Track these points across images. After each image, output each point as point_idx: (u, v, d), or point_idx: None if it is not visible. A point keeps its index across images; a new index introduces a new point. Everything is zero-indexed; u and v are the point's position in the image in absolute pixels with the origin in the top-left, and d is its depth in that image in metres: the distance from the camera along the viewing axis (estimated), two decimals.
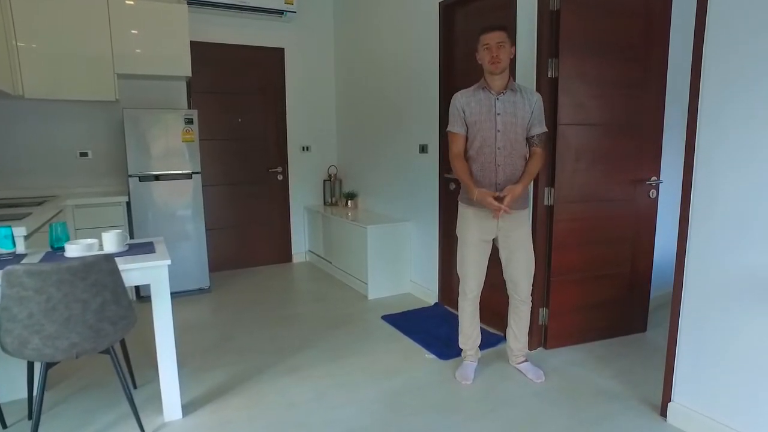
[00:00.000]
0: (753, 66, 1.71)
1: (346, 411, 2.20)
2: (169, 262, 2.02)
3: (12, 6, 3.27)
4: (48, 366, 1.82)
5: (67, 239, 2.12)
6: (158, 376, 2.10)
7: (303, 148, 4.89)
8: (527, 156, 2.35)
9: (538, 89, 2.57)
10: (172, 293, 2.10)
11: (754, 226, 1.75)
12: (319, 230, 4.68)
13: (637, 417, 2.13)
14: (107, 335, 1.85)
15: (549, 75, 2.56)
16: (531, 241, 2.42)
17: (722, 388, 1.89)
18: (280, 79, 4.70)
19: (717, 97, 1.83)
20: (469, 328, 2.51)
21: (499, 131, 2.28)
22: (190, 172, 3.85)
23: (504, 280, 2.48)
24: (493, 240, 2.43)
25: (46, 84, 3.44)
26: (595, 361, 2.64)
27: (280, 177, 4.84)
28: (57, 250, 2.09)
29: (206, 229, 3.97)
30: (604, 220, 2.78)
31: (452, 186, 3.36)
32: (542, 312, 2.76)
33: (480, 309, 2.53)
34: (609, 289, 2.86)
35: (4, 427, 2.08)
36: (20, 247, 2.14)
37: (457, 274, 2.53)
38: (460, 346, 2.56)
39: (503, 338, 2.71)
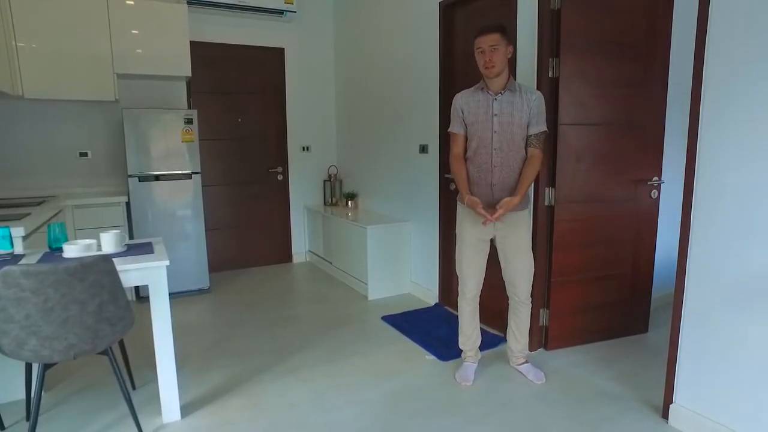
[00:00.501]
0: (755, 66, 1.70)
1: (346, 412, 2.19)
2: (167, 262, 2.01)
3: (11, 6, 3.26)
4: (46, 367, 1.81)
5: (66, 240, 2.12)
6: (157, 377, 2.09)
7: (303, 148, 4.88)
8: (525, 157, 2.33)
9: (538, 89, 2.55)
10: (171, 294, 2.09)
11: (756, 227, 1.73)
12: (319, 230, 4.67)
13: (638, 419, 2.11)
14: (105, 336, 1.84)
15: (550, 75, 2.55)
16: (530, 242, 2.41)
17: (724, 389, 1.88)
18: (280, 78, 4.69)
19: (719, 97, 1.82)
20: (469, 329, 2.50)
21: (495, 132, 2.27)
22: (189, 172, 3.84)
23: (502, 281, 2.47)
24: (492, 240, 2.42)
25: (46, 84, 3.43)
26: (596, 363, 2.63)
27: (280, 177, 4.83)
28: (55, 251, 2.09)
29: (206, 230, 3.96)
30: (605, 220, 2.76)
31: (452, 186, 3.35)
32: (543, 313, 2.75)
33: (480, 310, 2.53)
34: (610, 290, 2.84)
35: (3, 428, 2.07)
36: (18, 248, 2.14)
37: (457, 274, 2.52)
38: (460, 346, 2.55)
39: (503, 339, 2.70)
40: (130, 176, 3.67)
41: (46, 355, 1.72)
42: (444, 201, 3.44)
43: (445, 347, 2.79)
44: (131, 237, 3.69)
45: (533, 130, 2.29)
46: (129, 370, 2.41)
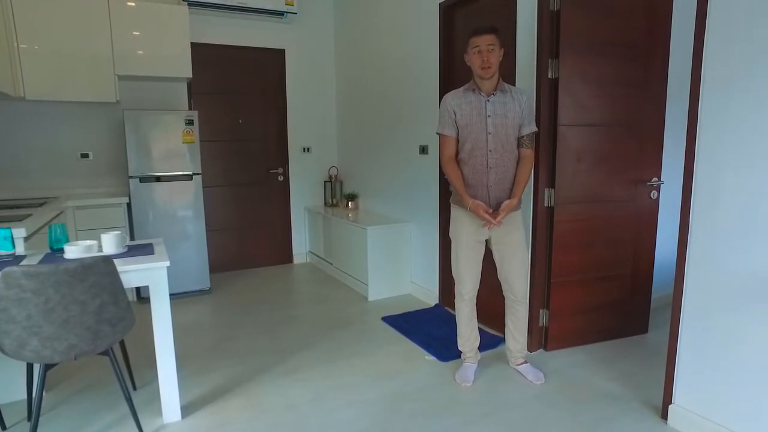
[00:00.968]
0: (753, 65, 1.70)
1: (346, 413, 2.20)
2: (167, 263, 2.02)
3: (13, 7, 3.28)
4: (47, 367, 1.82)
5: (67, 241, 2.13)
6: (157, 377, 2.10)
7: (303, 149, 4.89)
8: (518, 157, 2.34)
9: (538, 90, 2.57)
10: (172, 294, 2.10)
11: (755, 227, 1.74)
12: (320, 231, 4.67)
13: (637, 419, 2.12)
14: (106, 336, 1.85)
15: (549, 75, 2.55)
16: (524, 242, 2.42)
17: (723, 390, 1.88)
18: (280, 80, 4.70)
19: (717, 97, 1.82)
20: (467, 330, 2.50)
21: (490, 133, 2.27)
22: (190, 173, 3.85)
23: (500, 281, 2.47)
24: (486, 241, 2.43)
25: (47, 85, 3.45)
26: (595, 363, 2.63)
27: (280, 178, 4.84)
28: (56, 252, 2.09)
29: (207, 230, 3.97)
30: (604, 221, 2.77)
31: (452, 187, 3.35)
32: (543, 313, 2.75)
33: (479, 310, 2.53)
34: (610, 291, 2.85)
35: (4, 428, 2.08)
36: (20, 249, 2.15)
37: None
38: (459, 348, 2.55)
39: (503, 340, 2.70)
40: (131, 177, 3.68)
41: (47, 356, 1.73)
42: (444, 202, 3.44)
43: (445, 348, 2.80)
44: (132, 238, 3.70)
45: (525, 131, 2.31)
46: (130, 370, 2.41)
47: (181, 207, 3.86)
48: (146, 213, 3.74)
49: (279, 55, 4.65)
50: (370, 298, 3.77)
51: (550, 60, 2.54)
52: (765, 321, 1.73)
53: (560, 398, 2.29)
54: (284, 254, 4.94)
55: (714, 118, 1.84)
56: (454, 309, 2.57)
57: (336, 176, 4.95)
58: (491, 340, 2.86)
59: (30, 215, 2.59)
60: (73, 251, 1.98)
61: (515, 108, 2.28)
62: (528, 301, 2.48)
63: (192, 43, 3.87)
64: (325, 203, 4.94)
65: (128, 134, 3.63)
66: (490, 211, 2.26)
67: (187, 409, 2.22)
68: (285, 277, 4.51)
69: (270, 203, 4.83)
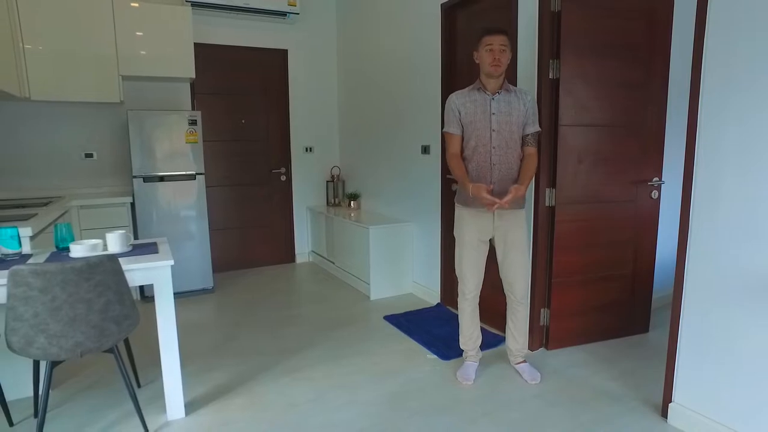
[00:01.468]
0: (753, 66, 1.71)
1: (347, 411, 2.22)
2: (172, 262, 2.04)
3: (19, 8, 3.30)
4: (53, 365, 1.85)
5: (72, 240, 2.15)
6: (161, 375, 2.12)
7: (306, 149, 4.91)
8: (521, 155, 2.36)
9: (539, 90, 2.58)
10: (175, 293, 2.12)
11: (754, 227, 1.75)
12: (322, 231, 4.69)
13: (638, 418, 2.13)
14: (111, 334, 1.87)
15: (550, 76, 2.57)
16: (526, 242, 2.43)
17: (723, 388, 1.89)
18: (283, 80, 4.72)
19: (717, 98, 1.84)
20: (470, 329, 2.52)
21: (494, 131, 2.30)
22: (194, 173, 3.87)
23: (501, 280, 2.49)
24: (491, 240, 2.44)
25: (52, 86, 3.48)
26: (596, 363, 2.64)
27: (283, 178, 4.86)
28: (62, 251, 2.12)
29: (210, 230, 3.99)
30: (605, 221, 2.78)
31: (454, 187, 3.36)
32: (544, 313, 2.77)
33: (481, 309, 2.54)
34: (611, 291, 2.86)
35: (11, 424, 2.11)
36: (26, 248, 2.17)
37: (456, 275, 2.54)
38: (461, 346, 2.57)
39: (503, 339, 2.71)
40: (134, 177, 3.70)
41: (54, 353, 1.76)
42: (446, 202, 3.46)
43: (447, 347, 2.81)
44: (136, 237, 3.73)
45: (530, 130, 2.34)
46: (134, 368, 2.44)
47: (185, 207, 3.88)
48: (150, 212, 3.77)
49: (281, 55, 4.67)
50: (372, 298, 3.79)
51: (551, 61, 2.55)
52: (764, 320, 1.74)
53: (561, 397, 2.31)
54: (287, 254, 4.96)
55: (714, 119, 1.85)
56: (455, 308, 2.58)
57: (338, 176, 4.97)
58: (493, 339, 2.88)
59: (35, 214, 2.62)
60: (78, 250, 2.01)
61: (519, 107, 2.31)
62: (528, 301, 2.49)
63: (195, 44, 3.89)
64: (328, 203, 4.97)
65: (132, 134, 3.66)
66: (489, 188, 2.23)
67: (190, 407, 2.25)
68: (287, 277, 4.53)
69: (272, 203, 4.85)
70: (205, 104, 4.35)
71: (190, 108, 4.29)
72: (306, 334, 3.11)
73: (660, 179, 2.86)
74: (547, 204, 2.67)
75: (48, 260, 1.95)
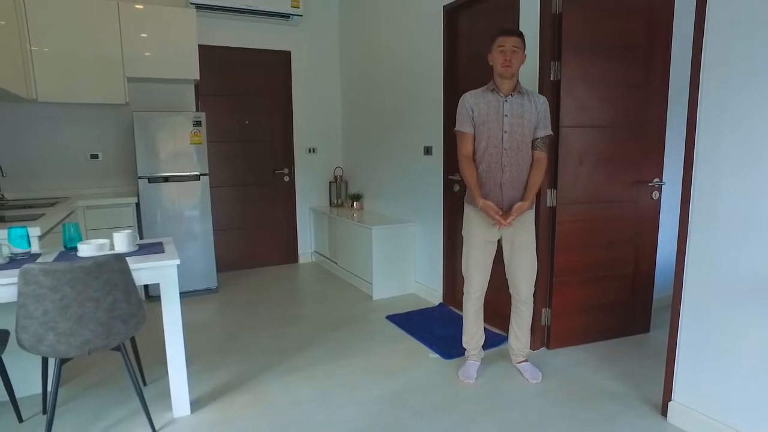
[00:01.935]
0: (752, 66, 1.73)
1: (350, 410, 2.24)
2: (178, 261, 2.07)
3: (26, 11, 3.35)
4: (62, 362, 1.88)
5: (80, 239, 2.19)
6: (167, 373, 2.16)
7: (309, 149, 4.95)
8: (531, 158, 2.38)
9: (540, 92, 2.60)
10: (180, 293, 2.15)
11: (754, 227, 1.77)
12: (325, 231, 4.73)
13: (638, 417, 2.15)
14: (118, 332, 1.90)
15: (551, 78, 2.59)
16: (534, 244, 2.45)
17: (722, 387, 1.91)
18: (286, 81, 4.76)
19: (716, 98, 1.86)
20: (473, 328, 2.54)
21: (506, 132, 2.32)
22: (198, 173, 3.91)
23: (507, 281, 2.51)
24: (498, 241, 2.47)
25: (59, 87, 3.52)
26: (597, 362, 2.66)
27: (286, 178, 4.90)
28: (70, 250, 2.15)
29: (214, 230, 4.03)
30: (606, 221, 2.80)
31: (456, 188, 3.39)
32: (545, 312, 2.79)
33: (484, 310, 2.57)
34: (611, 291, 2.88)
35: (20, 421, 2.14)
36: (35, 247, 2.20)
37: (461, 275, 2.56)
38: (464, 345, 2.60)
39: (506, 338, 2.74)
40: (139, 177, 3.74)
41: (63, 350, 1.79)
42: (448, 202, 3.48)
43: (449, 346, 2.84)
44: (141, 237, 3.76)
45: (541, 133, 2.35)
46: (140, 366, 2.47)
47: (189, 207, 3.92)
48: (154, 213, 3.81)
49: (285, 56, 4.71)
50: (375, 297, 3.82)
51: (552, 62, 2.58)
52: (763, 319, 1.76)
53: (562, 396, 2.33)
54: (290, 254, 4.99)
55: (713, 120, 1.87)
56: (457, 308, 2.61)
57: (341, 177, 5.00)
58: (495, 339, 2.90)
59: (43, 215, 2.66)
60: (86, 249, 2.05)
61: (532, 110, 2.33)
62: (533, 301, 2.51)
63: (199, 46, 3.93)
64: (331, 203, 5.00)
65: (137, 135, 3.70)
66: (500, 212, 2.30)
67: (195, 405, 2.28)
68: (290, 277, 4.56)
69: (276, 203, 4.89)
70: (209, 105, 4.39)
71: (194, 109, 4.33)
72: (309, 334, 3.14)
73: (661, 180, 2.88)
74: (548, 204, 2.70)
75: (56, 259, 1.98)
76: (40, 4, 3.40)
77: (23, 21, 3.33)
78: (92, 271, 1.77)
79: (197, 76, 3.94)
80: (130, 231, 2.21)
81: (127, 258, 1.97)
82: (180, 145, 3.83)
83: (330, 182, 5.01)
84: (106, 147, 4.06)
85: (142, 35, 3.73)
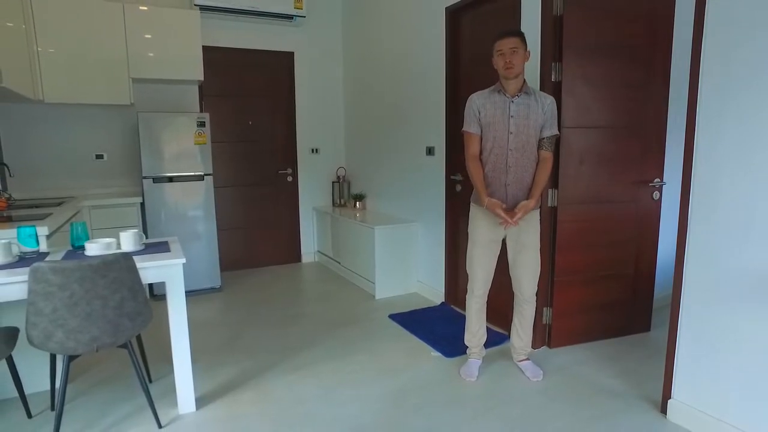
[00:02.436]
0: (751, 66, 1.75)
1: (353, 407, 2.27)
2: (183, 260, 2.10)
3: (33, 13, 3.39)
4: (70, 359, 1.91)
5: (87, 238, 2.22)
6: (171, 371, 2.19)
7: (312, 150, 4.98)
8: (537, 159, 2.40)
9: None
10: (185, 292, 2.17)
11: (752, 226, 1.79)
12: (328, 231, 4.75)
13: (637, 414, 2.17)
14: (125, 330, 1.94)
15: (552, 79, 2.61)
16: (539, 243, 2.46)
17: (721, 384, 1.93)
18: (289, 82, 4.79)
19: (715, 98, 1.88)
20: (475, 326, 2.57)
21: (511, 133, 2.34)
22: (202, 173, 3.94)
23: (510, 280, 2.54)
24: (503, 240, 2.49)
25: (65, 89, 3.56)
26: (598, 360, 2.68)
27: (289, 178, 4.93)
28: (77, 249, 2.19)
29: (217, 230, 4.06)
30: (607, 221, 2.82)
31: (458, 188, 3.42)
32: (546, 311, 2.81)
33: (486, 308, 2.59)
34: (613, 290, 2.90)
35: (29, 417, 2.18)
36: (43, 246, 2.24)
37: (463, 274, 2.59)
38: (466, 343, 2.62)
39: (507, 337, 2.76)
40: (144, 177, 3.78)
41: (72, 347, 1.82)
42: (450, 202, 3.51)
43: (451, 345, 2.86)
44: (146, 237, 3.79)
45: (547, 133, 2.37)
46: (146, 364, 2.50)
47: (193, 207, 3.95)
48: (159, 212, 3.84)
49: (288, 57, 4.74)
50: (378, 297, 3.84)
51: (553, 63, 2.60)
52: (762, 317, 1.78)
53: (562, 394, 2.35)
54: (293, 253, 5.03)
55: (712, 120, 1.90)
56: (459, 308, 2.63)
57: (344, 177, 5.03)
58: (496, 338, 2.92)
59: (50, 214, 2.69)
60: (93, 248, 2.08)
61: (538, 110, 2.34)
62: (536, 301, 2.53)
63: (203, 47, 3.97)
64: (333, 203, 5.03)
65: (142, 136, 3.73)
66: (504, 207, 2.31)
67: (201, 401, 2.31)
68: (294, 276, 4.59)
69: (279, 203, 4.92)
70: (213, 106, 4.42)
71: (198, 110, 4.37)
72: (312, 332, 3.17)
73: (661, 180, 2.90)
74: (549, 204, 2.72)
75: (64, 258, 2.01)
76: (47, 7, 3.44)
77: (30, 23, 3.37)
78: (100, 269, 1.80)
79: (201, 77, 3.98)
80: (136, 230, 2.25)
81: (133, 257, 2.00)
82: (184, 146, 3.87)
83: (333, 182, 5.04)
84: (112, 147, 4.10)
85: (147, 37, 3.77)
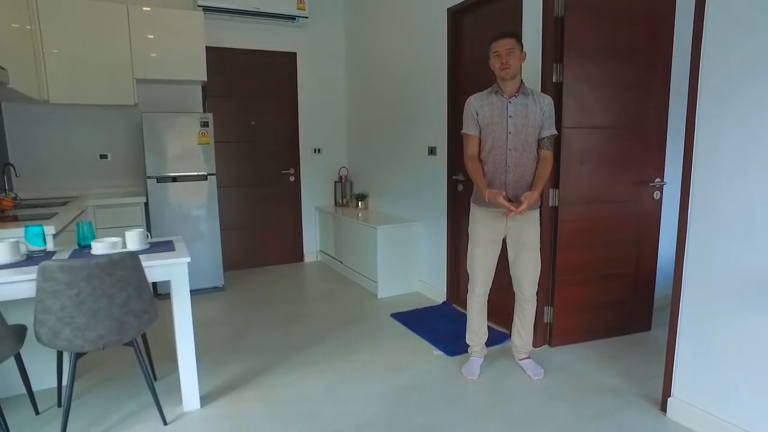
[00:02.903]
0: (750, 68, 1.77)
1: (355, 404, 2.29)
2: (188, 259, 2.13)
3: (39, 14, 3.42)
4: (77, 356, 1.94)
5: (93, 237, 2.25)
6: (176, 369, 2.22)
7: (314, 150, 5.00)
8: (536, 158, 2.42)
9: (543, 93, 2.64)
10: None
11: (751, 225, 1.80)
12: (330, 230, 4.78)
13: (637, 412, 2.19)
14: (131, 328, 1.96)
15: (554, 80, 2.63)
16: (539, 243, 2.48)
17: (720, 382, 1.95)
18: (292, 82, 4.82)
19: (715, 98, 1.89)
20: (476, 325, 2.59)
21: (510, 133, 2.36)
22: (205, 173, 3.97)
23: (510, 280, 2.56)
24: (503, 239, 2.51)
25: (70, 89, 3.59)
26: (599, 359, 2.70)
27: (292, 178, 4.95)
28: (84, 248, 2.22)
29: (221, 229, 4.09)
30: (608, 221, 2.84)
31: (460, 187, 3.44)
32: (547, 310, 2.83)
33: (487, 307, 2.61)
34: (613, 289, 2.92)
35: (37, 413, 2.21)
36: (50, 245, 2.27)
37: (464, 274, 2.60)
38: (467, 342, 2.64)
39: (508, 336, 2.78)
40: (148, 177, 3.81)
41: (79, 345, 1.85)
42: (452, 202, 3.53)
43: (452, 343, 2.88)
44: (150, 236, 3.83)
45: (546, 133, 2.39)
46: (151, 362, 2.53)
47: (196, 206, 3.98)
48: (163, 212, 3.87)
49: (290, 58, 4.76)
50: (380, 296, 3.87)
51: (554, 65, 2.62)
52: (761, 315, 1.80)
53: (563, 392, 2.37)
54: (296, 253, 5.05)
55: (711, 120, 1.91)
56: (461, 307, 2.65)
57: (346, 177, 5.05)
58: (497, 336, 2.94)
59: (56, 214, 2.73)
60: (99, 247, 2.11)
61: (536, 110, 2.36)
62: (536, 299, 2.55)
63: (207, 47, 3.99)
64: (336, 203, 5.05)
65: (146, 136, 3.76)
66: (504, 195, 2.31)
67: (205, 399, 2.33)
68: (296, 275, 4.62)
69: (282, 203, 4.94)
70: (216, 106, 4.45)
71: (201, 110, 4.40)
72: (315, 331, 3.19)
73: (662, 180, 2.92)
74: (550, 204, 2.74)
75: (71, 257, 2.04)
76: (53, 8, 3.47)
77: (36, 24, 3.41)
78: (107, 268, 1.83)
79: (205, 78, 4.01)
80: (141, 229, 2.28)
81: (139, 256, 2.02)
82: (188, 146, 3.89)
83: (335, 182, 5.06)
84: (116, 147, 4.13)
85: (151, 37, 3.80)
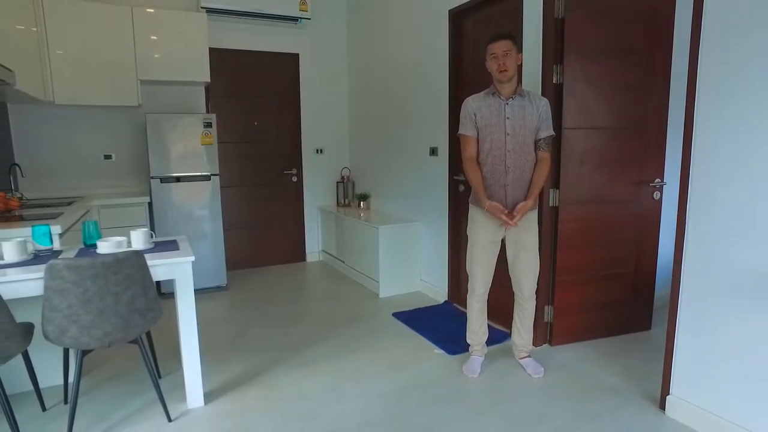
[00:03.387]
0: (748, 68, 1.79)
1: (357, 403, 2.31)
2: (193, 258, 2.16)
3: (45, 16, 3.45)
4: (83, 354, 1.97)
5: (99, 237, 2.28)
6: (180, 367, 2.25)
7: (317, 150, 5.03)
8: (534, 159, 2.44)
9: (543, 95, 2.66)
10: None
11: (749, 225, 1.82)
12: (332, 230, 4.81)
13: (637, 410, 2.21)
14: (137, 326, 1.99)
15: (554, 81, 2.65)
16: (537, 243, 2.51)
17: (718, 381, 1.97)
18: (294, 83, 4.85)
19: (713, 98, 1.91)
20: (476, 324, 2.61)
21: (508, 134, 2.38)
22: (208, 173, 4.00)
23: (510, 279, 2.58)
24: (502, 240, 2.53)
25: (75, 90, 3.63)
26: (598, 358, 2.72)
27: (294, 179, 4.98)
28: (89, 247, 2.25)
29: (223, 229, 4.12)
30: (608, 221, 2.85)
31: (461, 188, 3.46)
32: (547, 310, 2.85)
33: (487, 306, 2.63)
34: (614, 289, 2.93)
35: (44, 410, 2.24)
36: (56, 244, 2.30)
37: (465, 273, 2.63)
38: (468, 341, 2.66)
39: (508, 335, 2.80)
40: (152, 178, 3.84)
41: (85, 342, 1.88)
42: (453, 202, 3.55)
43: (453, 342, 2.91)
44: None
45: (543, 134, 2.41)
46: (155, 360, 2.55)
47: (200, 206, 4.01)
48: (166, 212, 3.90)
49: (293, 59, 4.79)
50: (382, 295, 3.89)
51: (554, 65, 2.64)
52: (758, 314, 1.81)
53: (563, 390, 2.39)
54: (298, 253, 5.08)
55: (710, 120, 1.93)
56: (462, 306, 2.67)
57: (348, 177, 5.08)
58: (498, 335, 2.96)
59: (62, 213, 2.76)
60: (105, 247, 2.14)
61: (533, 112, 2.38)
62: (535, 299, 2.57)
63: (210, 49, 4.02)
64: (338, 203, 5.08)
65: (150, 136, 3.79)
66: (506, 212, 2.37)
67: (209, 397, 2.36)
68: (299, 275, 4.64)
69: (284, 203, 4.97)
70: (220, 107, 4.48)
71: (204, 111, 4.43)
72: (317, 330, 3.22)
73: (662, 180, 2.93)
74: (551, 204, 2.76)
75: (77, 256, 2.07)
76: (58, 10, 3.51)
77: (42, 26, 3.44)
78: (113, 266, 1.86)
79: (208, 79, 4.04)
80: (146, 229, 2.31)
81: (144, 255, 2.05)
82: (191, 146, 3.93)
83: (337, 182, 5.09)
84: (120, 148, 4.16)
85: (155, 39, 3.83)
